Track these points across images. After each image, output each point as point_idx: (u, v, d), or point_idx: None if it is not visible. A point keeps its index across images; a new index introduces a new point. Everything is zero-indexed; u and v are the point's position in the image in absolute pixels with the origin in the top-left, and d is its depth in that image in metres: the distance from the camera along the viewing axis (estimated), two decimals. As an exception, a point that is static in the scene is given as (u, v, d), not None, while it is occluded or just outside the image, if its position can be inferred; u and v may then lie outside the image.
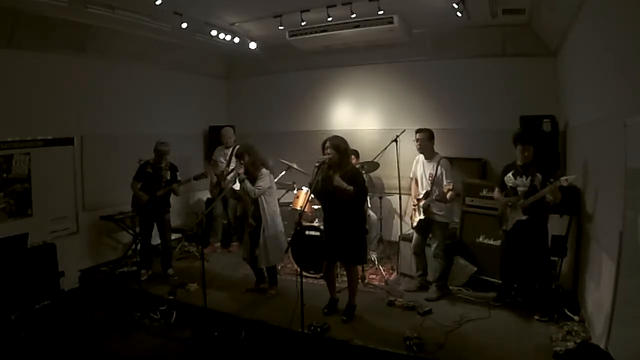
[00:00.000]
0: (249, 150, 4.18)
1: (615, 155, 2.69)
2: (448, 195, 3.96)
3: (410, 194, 4.60)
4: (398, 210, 5.48)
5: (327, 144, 3.66)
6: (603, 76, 3.08)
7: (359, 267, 4.65)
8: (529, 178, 3.58)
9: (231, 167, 5.10)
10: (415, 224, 4.29)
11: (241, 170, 4.07)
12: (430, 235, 4.25)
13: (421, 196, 4.19)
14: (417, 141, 4.16)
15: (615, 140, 2.65)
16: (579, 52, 3.88)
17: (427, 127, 4.23)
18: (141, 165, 4.80)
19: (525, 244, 3.66)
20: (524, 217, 3.60)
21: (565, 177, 3.28)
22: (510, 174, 3.75)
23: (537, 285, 3.73)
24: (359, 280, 4.49)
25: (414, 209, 4.29)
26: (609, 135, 2.87)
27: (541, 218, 3.61)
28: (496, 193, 3.95)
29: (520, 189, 3.65)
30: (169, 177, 4.73)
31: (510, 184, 3.74)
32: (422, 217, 4.14)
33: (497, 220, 3.87)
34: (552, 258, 3.82)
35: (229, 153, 5.65)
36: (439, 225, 4.12)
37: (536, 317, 3.62)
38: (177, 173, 4.83)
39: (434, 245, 4.15)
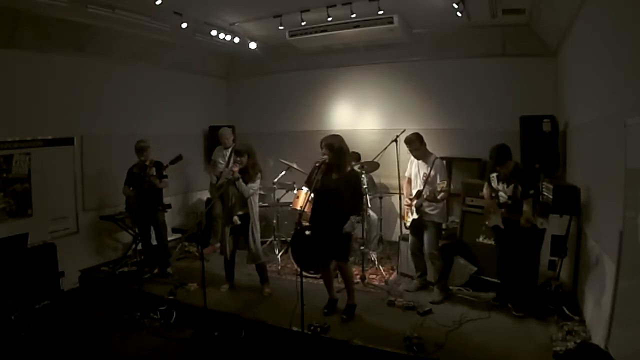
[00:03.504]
0: (250, 150, 4.20)
1: (615, 155, 2.69)
2: (439, 196, 3.96)
3: (403, 194, 4.60)
4: (398, 210, 5.47)
5: (322, 143, 3.67)
6: (603, 76, 3.07)
7: (359, 267, 4.68)
8: (510, 187, 3.67)
9: (229, 167, 5.10)
10: (408, 224, 4.28)
11: (236, 169, 4.08)
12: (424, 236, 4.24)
13: (413, 196, 4.20)
14: (410, 152, 4.18)
15: (615, 140, 2.65)
16: (579, 52, 3.87)
17: (413, 132, 4.19)
18: (128, 170, 4.80)
19: (511, 241, 3.73)
20: (502, 227, 3.72)
21: (541, 221, 3.39)
22: (494, 175, 3.84)
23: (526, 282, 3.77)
24: (359, 280, 4.51)
25: (407, 209, 4.29)
26: (609, 135, 2.87)
27: (521, 229, 3.61)
28: (485, 190, 3.98)
29: (501, 194, 3.76)
30: (154, 174, 4.67)
31: (493, 186, 3.84)
32: (415, 216, 4.14)
33: (484, 214, 3.98)
34: (552, 258, 3.83)
35: (228, 153, 5.65)
36: (432, 225, 4.10)
37: (513, 313, 3.68)
38: (164, 165, 4.72)
39: (428, 246, 4.13)
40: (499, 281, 4.04)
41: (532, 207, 3.50)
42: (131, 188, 4.74)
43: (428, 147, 4.23)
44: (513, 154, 3.76)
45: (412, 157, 4.29)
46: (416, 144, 4.11)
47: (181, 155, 4.69)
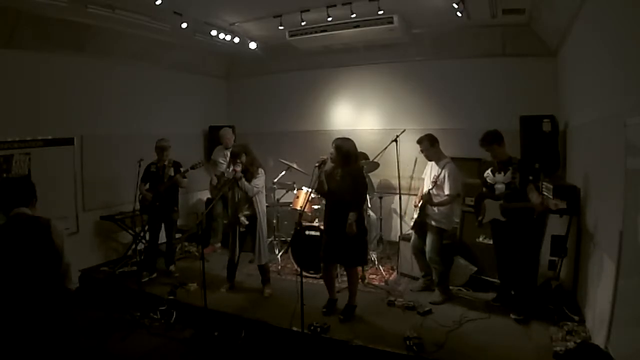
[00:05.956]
0: (246, 149, 4.21)
1: (615, 155, 2.69)
2: (436, 200, 3.93)
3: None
4: (398, 210, 5.47)
5: (333, 144, 3.69)
6: (603, 76, 3.08)
7: (359, 268, 4.68)
8: (507, 174, 3.59)
9: (231, 168, 5.13)
10: (412, 223, 4.29)
11: (238, 169, 4.09)
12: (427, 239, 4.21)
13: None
14: (421, 152, 4.16)
15: (615, 140, 2.65)
16: (579, 52, 3.88)
17: (426, 133, 4.18)
18: (146, 167, 4.82)
19: (509, 240, 3.67)
20: (502, 219, 3.60)
21: (555, 202, 3.29)
22: (489, 171, 3.77)
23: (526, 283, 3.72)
24: (359, 280, 4.51)
25: (415, 209, 4.28)
26: (609, 135, 2.87)
27: (523, 221, 3.56)
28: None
29: (497, 186, 3.66)
30: (172, 174, 4.73)
31: (489, 181, 3.75)
32: (416, 216, 4.13)
33: (474, 210, 3.86)
34: (552, 258, 3.82)
35: (229, 154, 5.64)
36: (433, 229, 4.07)
37: (512, 316, 3.62)
38: (181, 169, 4.80)
39: (429, 251, 4.11)
40: (499, 281, 4.03)
41: (537, 191, 3.44)
42: (147, 186, 4.75)
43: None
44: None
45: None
46: (426, 145, 4.08)
47: (202, 162, 4.86)
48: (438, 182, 3.98)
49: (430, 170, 4.16)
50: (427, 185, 4.14)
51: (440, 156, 4.11)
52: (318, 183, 3.63)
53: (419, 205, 4.10)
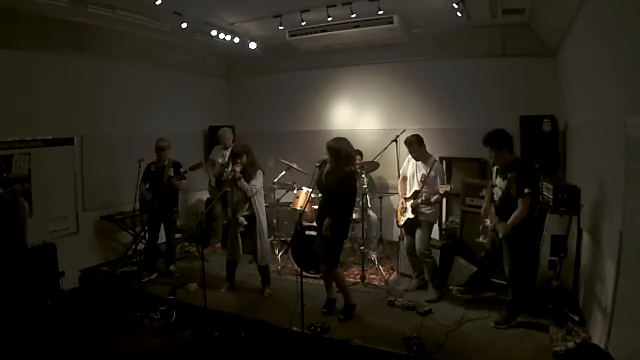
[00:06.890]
0: (247, 150, 4.21)
1: (615, 155, 2.69)
2: (433, 199, 3.98)
3: (397, 193, 4.57)
4: (398, 210, 5.47)
5: (326, 145, 3.71)
6: (603, 76, 3.08)
7: (359, 267, 4.69)
8: (505, 181, 3.42)
9: (230, 168, 5.14)
10: (402, 222, 4.29)
11: (238, 169, 4.09)
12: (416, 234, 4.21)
13: (408, 195, 4.20)
14: (410, 154, 4.19)
15: (615, 140, 2.65)
16: (579, 52, 3.88)
17: (412, 134, 4.19)
18: (146, 167, 4.82)
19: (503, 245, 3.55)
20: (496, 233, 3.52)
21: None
22: (494, 169, 3.64)
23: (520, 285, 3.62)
24: (359, 280, 4.51)
25: (402, 208, 4.29)
26: (609, 135, 2.87)
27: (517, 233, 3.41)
28: (486, 194, 3.88)
29: (496, 190, 3.57)
30: (172, 174, 4.73)
31: (492, 183, 3.64)
32: (411, 216, 4.14)
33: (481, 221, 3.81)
34: (552, 258, 3.82)
35: (228, 154, 5.64)
36: (425, 224, 4.12)
37: (492, 324, 3.54)
38: (181, 169, 4.79)
39: (419, 245, 4.13)
40: (500, 281, 3.95)
41: (527, 206, 3.29)
42: (147, 186, 4.75)
43: (428, 147, 4.24)
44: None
45: (410, 157, 4.29)
46: (415, 146, 4.11)
47: (201, 162, 4.87)
48: (428, 181, 4.01)
49: (416, 169, 4.17)
50: (414, 184, 4.16)
51: (426, 155, 4.16)
52: (318, 181, 3.68)
53: (412, 204, 4.10)
